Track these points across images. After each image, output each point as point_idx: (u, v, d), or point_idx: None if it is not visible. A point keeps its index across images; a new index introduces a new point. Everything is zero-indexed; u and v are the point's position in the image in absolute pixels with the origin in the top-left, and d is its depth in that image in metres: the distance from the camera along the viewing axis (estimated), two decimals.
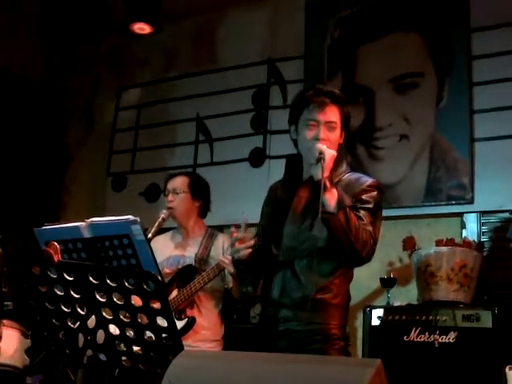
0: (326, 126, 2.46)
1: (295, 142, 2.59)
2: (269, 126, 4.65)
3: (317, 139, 2.43)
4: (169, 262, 3.33)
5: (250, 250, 2.42)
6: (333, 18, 4.56)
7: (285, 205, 2.57)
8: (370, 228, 2.36)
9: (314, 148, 2.39)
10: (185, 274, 3.25)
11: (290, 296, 2.44)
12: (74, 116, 5.48)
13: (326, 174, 2.32)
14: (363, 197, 2.43)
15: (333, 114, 2.48)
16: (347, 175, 2.54)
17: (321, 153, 2.34)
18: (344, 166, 2.56)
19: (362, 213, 2.38)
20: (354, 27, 4.47)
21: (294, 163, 2.61)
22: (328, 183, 2.32)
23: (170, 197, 3.38)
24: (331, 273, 2.44)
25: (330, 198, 2.31)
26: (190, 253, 3.37)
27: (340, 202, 2.31)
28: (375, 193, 2.46)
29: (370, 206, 2.42)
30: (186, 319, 3.17)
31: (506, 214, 3.61)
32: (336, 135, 2.49)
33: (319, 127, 2.46)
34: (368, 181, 2.50)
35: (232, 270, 2.91)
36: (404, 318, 3.40)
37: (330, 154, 2.37)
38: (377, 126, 4.24)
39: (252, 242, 2.42)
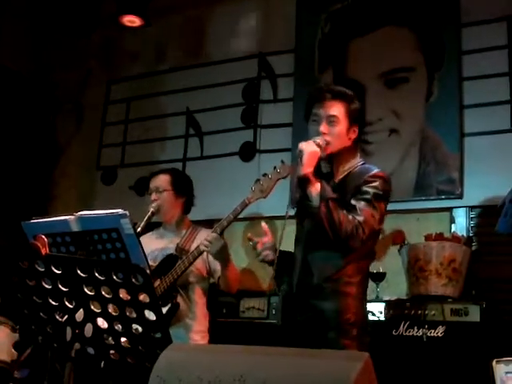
0: (326, 121, 2.59)
1: None
2: (259, 120, 4.65)
3: (318, 133, 2.57)
4: (153, 255, 3.34)
5: (268, 252, 2.63)
6: (324, 12, 4.55)
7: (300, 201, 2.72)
8: (360, 218, 2.45)
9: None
10: (166, 264, 3.26)
11: (305, 287, 2.56)
12: (64, 109, 5.45)
13: (307, 170, 2.47)
14: (363, 188, 2.53)
15: (334, 108, 2.60)
16: (357, 168, 2.65)
17: (300, 151, 2.49)
18: (356, 159, 2.68)
19: (361, 204, 2.49)
20: (344, 21, 4.46)
21: None
22: (311, 178, 2.48)
23: (154, 195, 3.42)
24: (342, 263, 2.53)
25: (313, 192, 2.47)
26: (174, 245, 3.40)
27: (322, 195, 2.45)
28: (377, 183, 2.54)
29: (369, 196, 2.51)
30: (170, 304, 3.19)
31: (495, 209, 3.63)
32: (339, 130, 2.59)
33: (321, 122, 2.59)
34: (372, 171, 2.59)
35: (213, 249, 3.07)
36: (393, 312, 3.41)
37: (308, 151, 2.49)
38: (367, 121, 4.23)
39: (269, 246, 2.63)
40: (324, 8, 4.55)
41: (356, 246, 2.47)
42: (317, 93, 2.66)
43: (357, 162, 2.67)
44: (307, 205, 2.49)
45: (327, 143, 2.55)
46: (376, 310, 3.44)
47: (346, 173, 2.64)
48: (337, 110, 2.59)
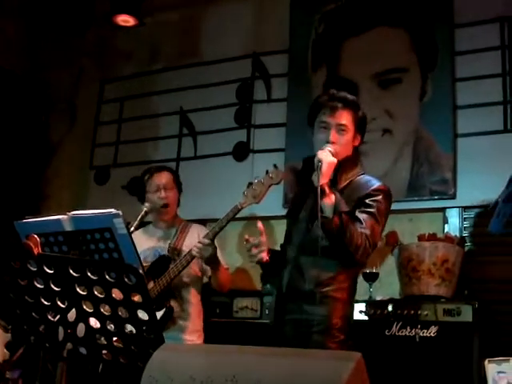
0: (336, 129, 2.60)
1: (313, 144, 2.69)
2: (253, 119, 4.65)
3: (327, 142, 2.56)
4: (144, 255, 3.33)
5: (265, 254, 2.59)
6: (318, 12, 4.55)
7: (298, 204, 2.71)
8: (367, 231, 2.48)
9: (316, 155, 2.51)
10: (159, 265, 3.26)
11: (295, 290, 2.57)
12: (57, 108, 5.43)
13: (324, 180, 2.44)
14: (367, 201, 2.55)
15: (344, 117, 2.61)
16: (358, 178, 2.66)
17: (319, 161, 2.46)
18: (357, 169, 2.69)
19: (364, 216, 2.51)
20: (338, 21, 4.46)
21: (310, 165, 2.65)
22: (327, 189, 2.45)
23: (164, 193, 3.40)
24: (334, 269, 2.54)
25: (328, 203, 2.45)
26: (164, 244, 3.41)
27: (336, 208, 2.44)
28: (380, 197, 2.57)
29: (372, 209, 2.54)
30: (165, 308, 3.19)
31: (488, 209, 3.64)
32: (347, 138, 2.62)
33: (330, 130, 2.59)
34: (375, 185, 2.61)
35: (204, 255, 3.10)
36: (386, 312, 3.42)
37: (327, 161, 2.48)
38: None
39: (265, 248, 2.59)
40: (318, 8, 4.55)
41: (363, 259, 2.52)
42: (326, 100, 2.65)
43: (358, 171, 2.68)
44: (319, 216, 2.45)
45: (335, 153, 2.55)
46: (369, 310, 3.45)
47: (348, 181, 2.64)
48: (345, 119, 2.61)
